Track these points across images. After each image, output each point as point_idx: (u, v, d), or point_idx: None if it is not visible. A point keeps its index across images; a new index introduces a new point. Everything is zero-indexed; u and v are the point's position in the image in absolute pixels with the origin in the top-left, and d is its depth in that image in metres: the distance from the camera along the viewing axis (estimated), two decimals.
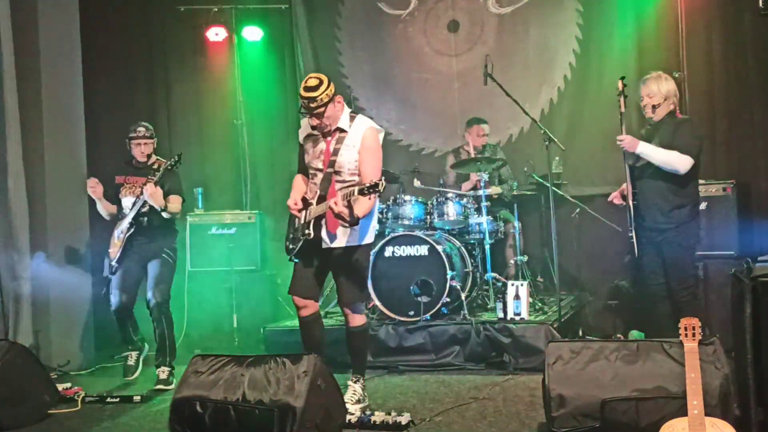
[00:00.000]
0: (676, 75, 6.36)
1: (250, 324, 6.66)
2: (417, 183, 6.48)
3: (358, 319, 4.46)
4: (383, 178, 4.06)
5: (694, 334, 3.32)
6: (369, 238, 4.44)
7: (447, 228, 6.29)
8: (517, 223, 6.55)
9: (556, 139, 5.81)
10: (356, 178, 4.29)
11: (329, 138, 4.33)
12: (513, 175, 6.87)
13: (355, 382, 4.48)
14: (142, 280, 5.56)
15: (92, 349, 6.30)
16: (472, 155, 6.57)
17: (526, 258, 6.44)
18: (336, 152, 4.28)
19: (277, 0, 7.77)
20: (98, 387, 5.46)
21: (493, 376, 5.25)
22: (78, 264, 6.23)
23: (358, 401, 4.39)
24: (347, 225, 4.13)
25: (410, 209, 6.19)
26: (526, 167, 6.73)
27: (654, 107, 4.76)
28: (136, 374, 5.61)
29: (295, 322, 6.25)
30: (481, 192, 6.14)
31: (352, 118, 4.37)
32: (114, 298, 5.44)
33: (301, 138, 4.52)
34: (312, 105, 4.17)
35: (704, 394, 3.15)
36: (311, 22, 7.83)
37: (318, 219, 4.29)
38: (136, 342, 5.68)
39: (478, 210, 6.20)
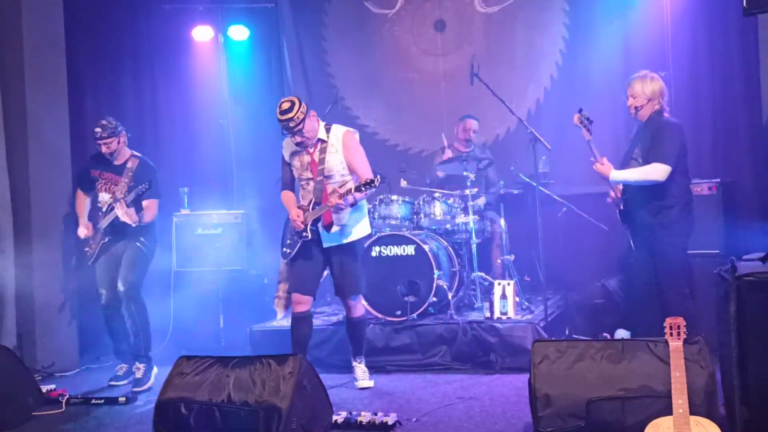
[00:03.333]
0: (663, 74, 6.40)
1: (237, 324, 6.63)
2: (404, 183, 6.47)
3: (360, 310, 5.04)
4: (378, 175, 4.69)
5: (679, 334, 3.33)
6: (363, 232, 4.98)
7: (434, 227, 6.29)
8: (503, 223, 6.55)
9: (542, 139, 5.81)
10: (348, 178, 4.87)
11: (312, 149, 4.85)
12: (499, 176, 6.87)
13: (360, 363, 5.15)
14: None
15: (77, 351, 6.26)
16: (459, 153, 6.60)
17: (512, 257, 6.44)
18: (322, 161, 4.81)
19: None
20: (83, 388, 5.43)
21: (479, 376, 5.26)
22: (62, 265, 6.18)
23: (369, 377, 5.11)
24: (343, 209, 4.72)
25: (397, 209, 6.18)
26: (513, 167, 6.74)
27: (637, 108, 4.69)
28: (121, 383, 5.52)
29: (282, 323, 6.28)
30: (468, 192, 6.15)
31: (327, 129, 4.89)
32: (101, 295, 5.53)
33: (286, 156, 4.99)
34: (291, 125, 4.67)
35: (689, 392, 3.17)
36: (298, 21, 7.81)
37: (314, 222, 4.80)
38: (125, 355, 5.64)
39: (465, 210, 6.20)
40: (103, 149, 5.47)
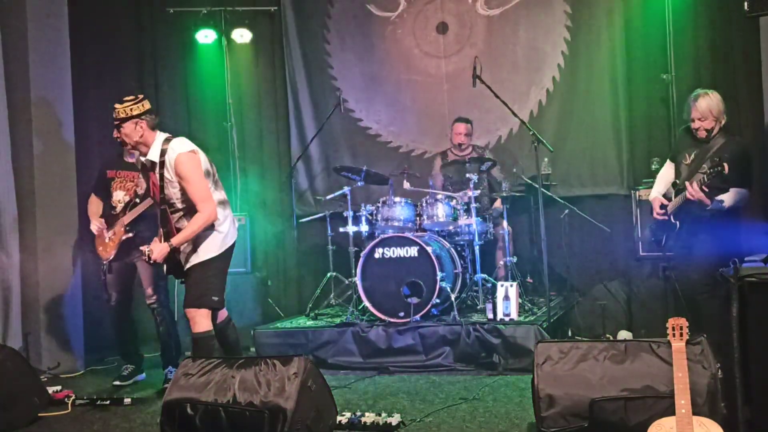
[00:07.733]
0: (664, 76, 6.43)
1: (240, 326, 6.61)
2: (406, 185, 6.49)
3: (197, 327, 4.37)
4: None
5: (681, 334, 3.35)
6: (208, 254, 4.39)
7: (437, 229, 6.31)
8: (506, 225, 6.57)
9: (544, 141, 5.83)
10: (191, 203, 4.32)
11: (153, 172, 4.37)
12: (503, 177, 6.89)
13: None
14: (135, 278, 5.57)
15: (82, 352, 6.29)
16: (458, 156, 6.64)
17: (515, 259, 6.45)
18: (162, 188, 4.33)
19: (267, 2, 7.80)
20: (88, 390, 5.46)
21: (482, 377, 5.28)
22: (68, 266, 6.21)
23: None
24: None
25: (400, 211, 6.21)
26: (516, 168, 6.76)
27: (708, 132, 4.59)
28: (124, 384, 5.54)
29: (285, 324, 6.31)
30: (471, 194, 6.17)
31: (163, 152, 4.31)
32: (112, 298, 5.50)
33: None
34: (113, 115, 4.34)
35: (692, 393, 3.18)
36: (300, 24, 7.84)
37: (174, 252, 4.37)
38: (135, 359, 5.71)
39: (468, 211, 6.22)
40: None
